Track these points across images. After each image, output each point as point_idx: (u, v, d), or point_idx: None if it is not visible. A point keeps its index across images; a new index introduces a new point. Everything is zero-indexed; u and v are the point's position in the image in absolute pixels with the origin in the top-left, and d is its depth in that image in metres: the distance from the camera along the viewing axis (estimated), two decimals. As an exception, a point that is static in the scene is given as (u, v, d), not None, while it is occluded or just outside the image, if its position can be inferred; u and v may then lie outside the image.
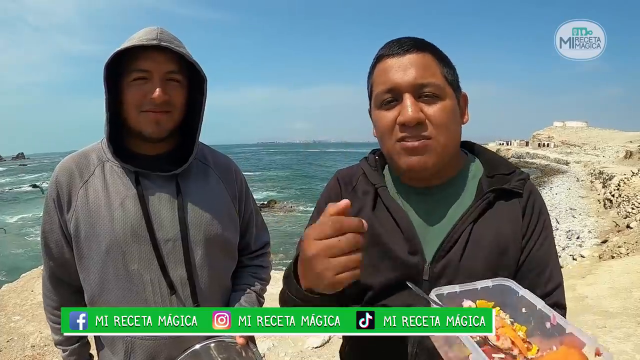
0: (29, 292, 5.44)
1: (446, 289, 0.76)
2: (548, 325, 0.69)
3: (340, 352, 1.13)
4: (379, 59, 0.95)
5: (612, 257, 8.75)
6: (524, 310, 0.73)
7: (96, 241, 1.15)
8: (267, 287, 1.44)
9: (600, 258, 9.26)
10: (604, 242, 11.18)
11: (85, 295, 1.22)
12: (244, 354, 1.16)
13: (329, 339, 4.06)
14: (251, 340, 1.21)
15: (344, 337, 1.10)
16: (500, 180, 0.94)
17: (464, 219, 0.91)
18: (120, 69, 1.13)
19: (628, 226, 11.70)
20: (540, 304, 0.71)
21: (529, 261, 0.92)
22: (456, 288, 0.76)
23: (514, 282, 0.77)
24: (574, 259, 10.29)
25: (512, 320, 0.72)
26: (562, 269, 0.97)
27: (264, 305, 1.38)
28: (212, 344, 1.18)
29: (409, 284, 0.79)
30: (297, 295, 0.79)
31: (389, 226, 0.95)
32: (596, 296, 5.25)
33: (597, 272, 6.64)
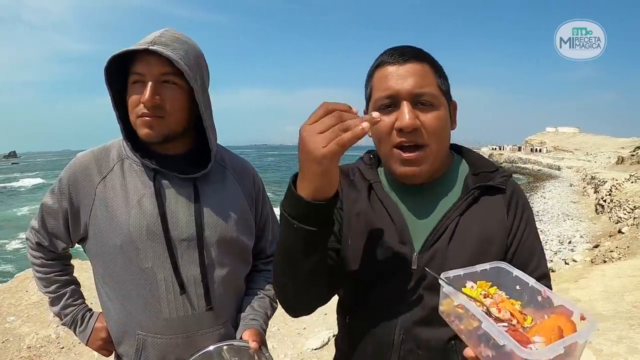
0: (24, 292, 5.39)
1: (452, 273, 0.83)
2: (540, 298, 0.78)
3: (335, 341, 1.18)
4: (380, 64, 0.99)
5: (604, 262, 8.85)
6: (517, 287, 0.83)
7: (112, 236, 1.16)
8: None
9: (592, 262, 9.37)
10: (596, 246, 11.31)
11: (102, 289, 1.25)
12: (256, 358, 1.17)
13: (328, 340, 4.08)
14: (263, 344, 1.22)
15: (338, 325, 1.15)
16: (485, 177, 1.01)
17: (451, 212, 0.97)
18: (126, 71, 1.14)
19: (620, 231, 11.83)
20: (532, 281, 0.81)
21: (516, 255, 0.98)
22: (460, 272, 0.84)
23: (508, 265, 0.86)
24: (566, 263, 10.39)
25: (507, 296, 0.81)
26: (554, 273, 1.03)
27: (275, 310, 1.38)
28: (225, 347, 1.20)
29: (427, 270, 0.87)
30: (296, 210, 0.79)
31: (383, 217, 1.00)
32: (589, 299, 5.31)
33: (589, 276, 6.71)
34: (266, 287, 1.38)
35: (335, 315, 1.14)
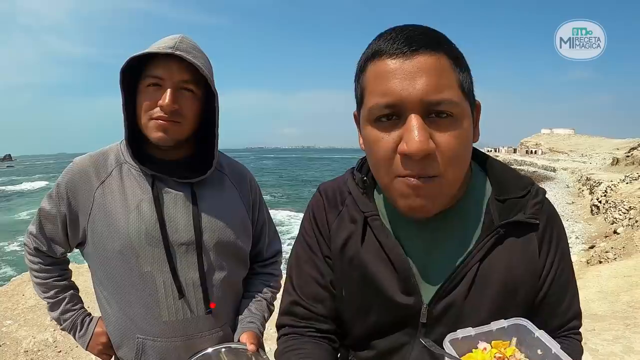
0: (20, 296, 5.35)
1: (461, 333, 0.70)
2: None
3: None
4: (376, 54, 0.72)
5: (600, 262, 8.91)
6: (539, 352, 0.69)
7: (111, 241, 1.16)
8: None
9: (588, 263, 9.43)
10: (592, 247, 11.36)
11: (101, 293, 1.25)
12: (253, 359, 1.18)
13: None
14: (261, 346, 1.23)
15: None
16: (512, 206, 0.79)
17: (470, 257, 0.77)
18: (139, 74, 1.15)
19: (615, 232, 11.89)
20: (555, 347, 0.67)
21: (547, 296, 0.82)
22: (471, 331, 0.71)
23: (529, 322, 0.72)
24: (562, 264, 10.42)
25: (527, 359, 0.70)
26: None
27: (272, 313, 1.39)
28: (223, 349, 1.21)
29: (423, 341, 0.73)
30: None
31: (381, 262, 0.81)
32: (585, 300, 5.35)
33: (585, 276, 6.75)
34: (263, 290, 1.40)
35: None
